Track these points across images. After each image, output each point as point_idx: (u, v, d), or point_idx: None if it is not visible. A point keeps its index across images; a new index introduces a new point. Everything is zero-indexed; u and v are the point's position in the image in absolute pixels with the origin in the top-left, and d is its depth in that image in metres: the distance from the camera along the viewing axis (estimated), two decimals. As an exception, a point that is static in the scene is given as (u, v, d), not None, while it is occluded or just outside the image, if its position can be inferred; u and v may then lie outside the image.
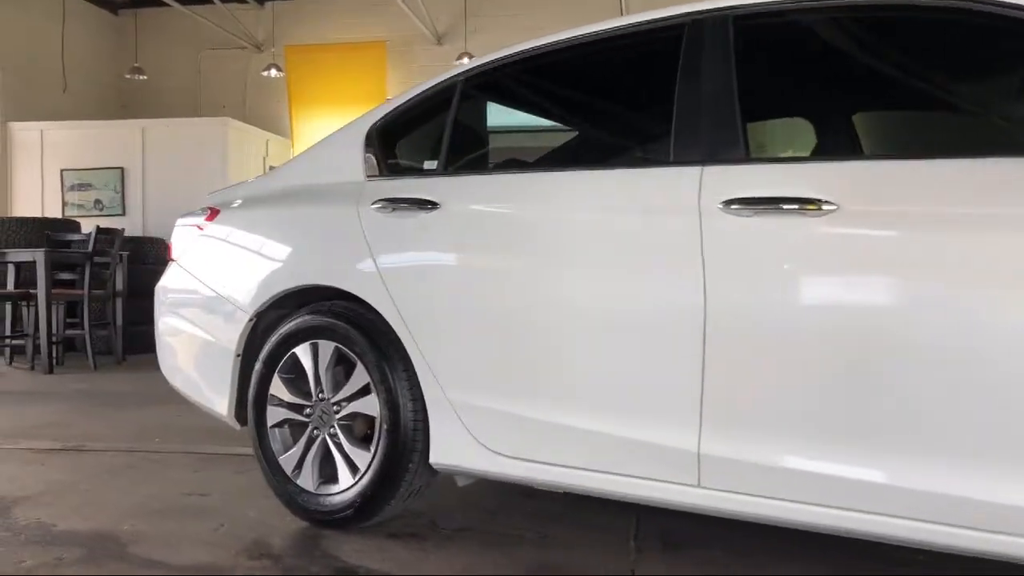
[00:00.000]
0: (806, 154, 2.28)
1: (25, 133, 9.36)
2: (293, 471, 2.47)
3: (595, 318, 2.00)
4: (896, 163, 1.73)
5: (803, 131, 2.42)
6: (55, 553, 2.26)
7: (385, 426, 2.30)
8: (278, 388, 2.51)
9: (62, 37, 10.03)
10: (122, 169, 9.15)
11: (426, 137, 2.59)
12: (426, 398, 2.27)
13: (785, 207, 1.76)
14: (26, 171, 9.36)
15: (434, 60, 10.40)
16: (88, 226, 7.40)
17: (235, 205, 2.82)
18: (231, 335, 2.63)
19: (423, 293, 2.29)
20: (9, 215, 8.89)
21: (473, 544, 2.33)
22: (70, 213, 9.04)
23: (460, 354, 2.21)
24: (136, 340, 7.30)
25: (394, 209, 2.37)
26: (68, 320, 6.96)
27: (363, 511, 2.34)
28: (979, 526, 1.57)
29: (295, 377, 2.50)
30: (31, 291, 6.37)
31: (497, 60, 2.40)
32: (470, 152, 2.56)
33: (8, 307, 6.82)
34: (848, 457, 1.69)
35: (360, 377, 2.36)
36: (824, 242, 1.72)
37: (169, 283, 2.92)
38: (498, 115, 2.69)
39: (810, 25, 1.99)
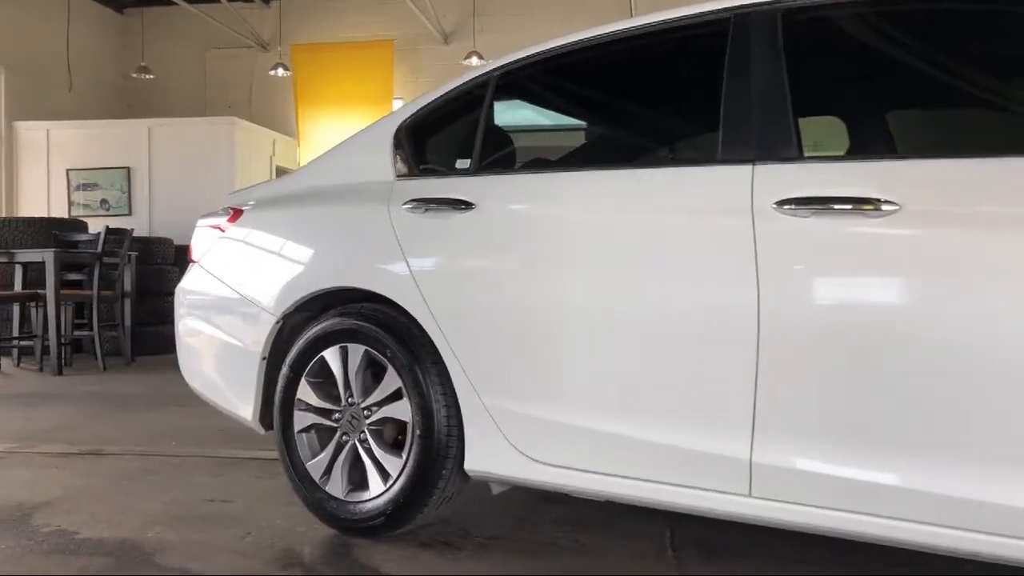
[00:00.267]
0: (861, 152, 2.22)
1: (31, 133, 9.31)
2: (321, 477, 2.41)
3: (642, 323, 1.94)
4: (963, 161, 1.66)
5: (855, 128, 2.36)
6: (80, 563, 2.20)
7: (418, 431, 2.24)
8: (305, 392, 2.45)
9: (67, 36, 9.98)
10: (128, 169, 9.10)
11: (457, 135, 2.54)
12: (461, 403, 2.21)
13: (844, 207, 1.69)
14: (32, 171, 9.30)
15: (440, 60, 10.36)
16: (95, 226, 7.35)
17: (258, 206, 2.75)
18: (256, 338, 2.57)
19: (459, 296, 2.23)
20: (15, 215, 8.84)
21: (508, 552, 2.28)
22: (76, 213, 8.98)
23: (499, 358, 2.16)
24: (144, 341, 7.26)
25: (426, 209, 2.31)
26: (76, 321, 6.90)
27: (395, 519, 2.29)
28: None
29: (323, 381, 2.44)
30: (39, 292, 6.31)
31: (533, 56, 2.33)
32: (505, 151, 2.50)
33: (16, 308, 6.76)
34: (915, 468, 1.62)
35: (391, 381, 2.30)
36: (886, 243, 1.66)
37: (190, 285, 2.86)
38: (534, 112, 2.63)
39: (866, 16, 1.93)
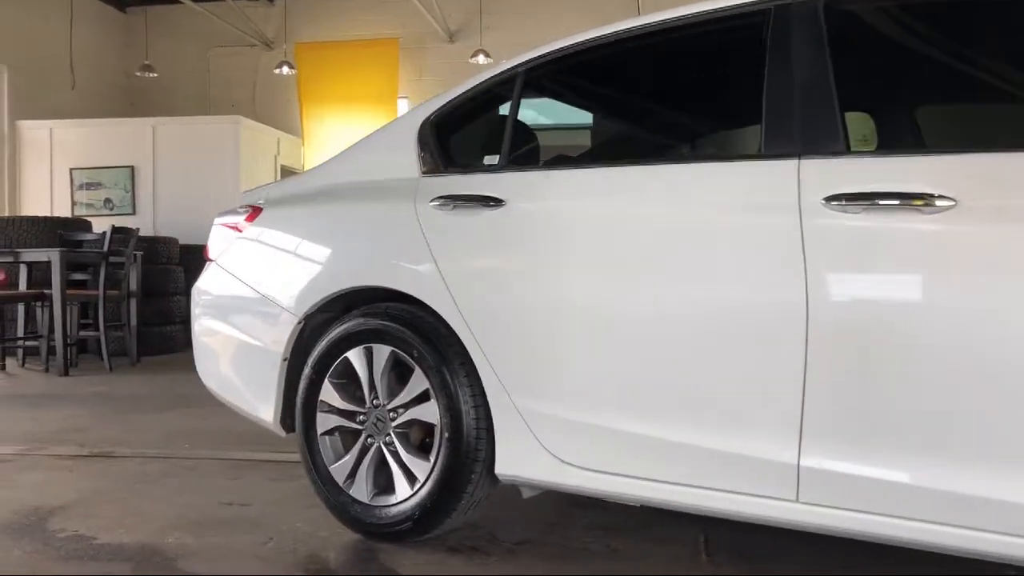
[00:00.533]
0: (911, 146, 2.16)
1: (34, 131, 9.25)
2: (345, 481, 2.35)
3: (683, 323, 1.88)
4: (1020, 155, 1.60)
5: (903, 122, 2.30)
6: (99, 569, 2.14)
7: (446, 434, 2.18)
8: (329, 394, 2.39)
9: (70, 35, 9.91)
10: (132, 168, 9.03)
11: (484, 131, 2.48)
12: (491, 405, 2.15)
13: (897, 203, 1.64)
14: (35, 170, 9.24)
15: (446, 58, 10.31)
16: (98, 225, 7.29)
17: (278, 204, 2.70)
18: (277, 338, 2.51)
19: (489, 295, 2.17)
20: (18, 214, 8.77)
21: (538, 558, 2.22)
22: (79, 212, 8.92)
23: (531, 358, 2.10)
24: (149, 341, 7.21)
25: (455, 206, 2.25)
26: (81, 321, 6.84)
27: (422, 524, 2.23)
28: None
29: (347, 382, 2.38)
30: (45, 291, 6.25)
31: (563, 49, 2.27)
32: (533, 145, 2.44)
33: (20, 308, 6.70)
34: (979, 475, 1.56)
35: (418, 383, 2.24)
36: (941, 240, 1.60)
37: (207, 284, 2.80)
38: (564, 107, 2.57)
39: (914, 5, 1.87)
